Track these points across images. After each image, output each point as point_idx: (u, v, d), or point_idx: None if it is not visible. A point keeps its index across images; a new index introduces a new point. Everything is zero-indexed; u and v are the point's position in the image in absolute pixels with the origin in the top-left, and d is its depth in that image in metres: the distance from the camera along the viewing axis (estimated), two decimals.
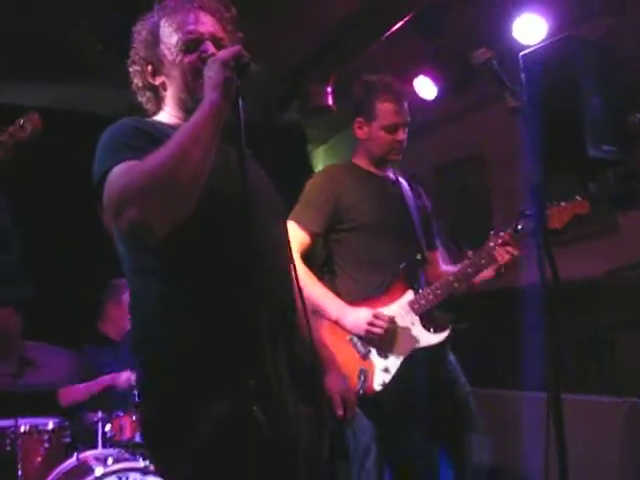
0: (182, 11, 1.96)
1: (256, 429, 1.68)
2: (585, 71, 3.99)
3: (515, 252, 2.90)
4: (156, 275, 1.81)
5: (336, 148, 7.60)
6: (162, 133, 1.84)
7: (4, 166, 1.92)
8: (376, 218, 3.00)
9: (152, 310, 1.82)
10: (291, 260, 1.89)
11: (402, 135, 3.04)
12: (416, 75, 5.19)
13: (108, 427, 3.96)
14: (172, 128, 1.88)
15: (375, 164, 3.14)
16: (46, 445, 3.92)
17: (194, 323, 1.77)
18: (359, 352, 2.88)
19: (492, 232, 2.97)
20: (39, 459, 3.89)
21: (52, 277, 5.15)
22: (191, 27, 1.93)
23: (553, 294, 2.17)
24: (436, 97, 5.24)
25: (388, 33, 4.52)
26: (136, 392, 3.92)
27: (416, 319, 2.91)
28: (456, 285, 2.91)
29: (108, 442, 3.93)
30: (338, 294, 2.96)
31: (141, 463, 3.45)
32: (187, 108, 1.91)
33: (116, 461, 3.55)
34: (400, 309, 2.92)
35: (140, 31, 2.01)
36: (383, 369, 2.85)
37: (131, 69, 2.03)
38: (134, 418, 3.93)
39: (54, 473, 3.66)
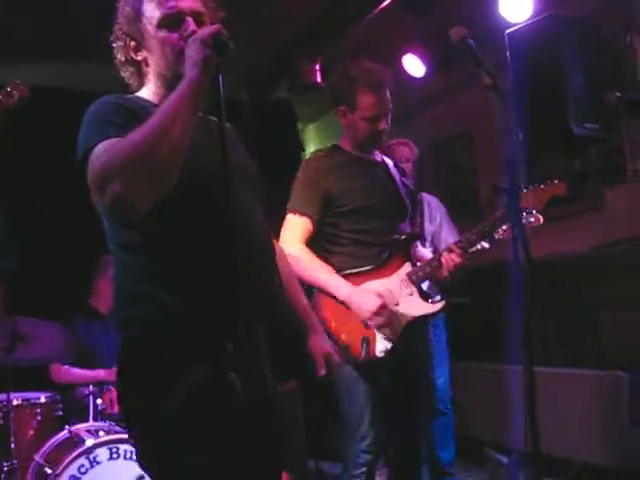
0: None
1: (231, 394, 1.76)
2: (569, 49, 4.03)
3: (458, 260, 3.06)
4: (138, 248, 1.87)
5: (327, 125, 7.62)
6: (144, 110, 1.88)
7: None
8: (367, 201, 3.06)
9: (134, 280, 1.88)
10: (269, 234, 1.96)
11: (384, 125, 3.07)
12: (404, 53, 5.24)
13: (99, 401, 4.03)
14: (154, 105, 1.93)
15: (360, 148, 3.18)
16: (38, 418, 3.98)
17: (174, 292, 1.83)
18: (362, 321, 2.96)
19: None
20: (31, 432, 3.96)
21: (43, 253, 5.22)
22: (172, 3, 1.95)
23: (527, 271, 2.23)
24: (424, 75, 5.29)
25: (377, 10, 4.53)
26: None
27: (414, 289, 3.04)
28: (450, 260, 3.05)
29: (99, 415, 3.99)
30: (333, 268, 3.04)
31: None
32: (169, 84, 1.94)
33: (107, 433, 3.63)
34: (400, 280, 3.03)
35: (123, 6, 2.03)
36: (386, 337, 2.95)
37: (114, 44, 2.06)
38: None
39: (46, 445, 3.72)
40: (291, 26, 5.07)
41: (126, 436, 3.51)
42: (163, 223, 1.80)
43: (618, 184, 4.46)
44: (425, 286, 3.23)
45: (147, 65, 2.03)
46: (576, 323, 4.83)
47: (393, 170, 3.26)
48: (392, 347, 2.95)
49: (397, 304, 3.01)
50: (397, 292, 3.03)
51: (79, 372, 4.49)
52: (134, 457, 3.40)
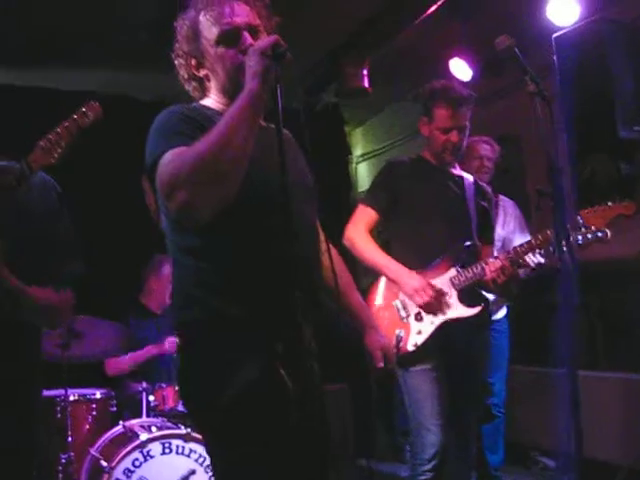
0: (218, 4, 2.06)
1: (282, 391, 1.85)
2: (617, 53, 4.04)
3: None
4: (197, 252, 1.97)
5: (373, 129, 7.68)
6: (209, 119, 1.97)
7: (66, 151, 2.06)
8: (428, 203, 3.27)
9: (192, 283, 1.98)
10: (320, 239, 2.05)
11: (455, 137, 3.28)
12: (451, 57, 5.26)
13: (152, 397, 4.16)
14: (218, 113, 2.02)
15: (437, 159, 3.39)
16: (94, 413, 4.13)
17: (229, 296, 1.93)
18: (400, 316, 3.21)
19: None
20: (87, 426, 4.11)
21: (98, 253, 5.38)
22: (227, 19, 2.03)
23: (573, 276, 2.27)
24: (472, 78, 5.30)
25: (424, 16, 4.58)
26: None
27: (454, 293, 3.19)
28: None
29: (151, 412, 4.13)
30: None
31: (183, 430, 3.62)
32: (231, 96, 2.00)
33: (159, 428, 3.74)
34: (442, 283, 3.20)
35: (181, 26, 2.12)
36: (417, 332, 3.16)
37: (176, 62, 2.14)
38: (176, 388, 4.12)
39: (102, 439, 3.86)
40: (338, 32, 5.14)
41: (178, 432, 3.63)
42: (223, 229, 1.89)
43: None
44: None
45: (209, 80, 2.12)
46: (622, 327, 4.80)
47: (468, 186, 3.40)
48: (424, 341, 3.13)
49: (444, 305, 3.17)
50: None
51: (130, 355, 4.60)
52: (185, 452, 3.54)
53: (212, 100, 2.14)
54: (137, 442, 3.53)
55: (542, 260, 3.25)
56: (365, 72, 5.20)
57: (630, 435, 4.38)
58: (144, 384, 4.15)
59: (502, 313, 4.53)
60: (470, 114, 3.32)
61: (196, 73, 2.12)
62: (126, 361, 4.60)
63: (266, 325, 1.92)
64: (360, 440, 5.35)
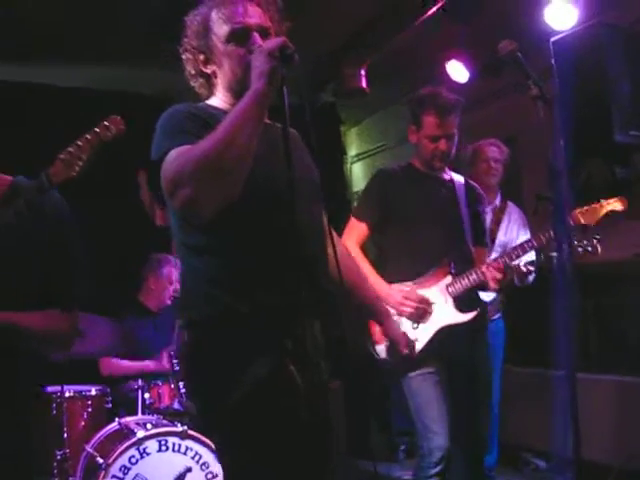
0: (231, 3, 2.08)
1: (292, 387, 1.88)
2: (615, 57, 4.05)
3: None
4: (205, 251, 1.99)
5: (368, 130, 7.70)
6: (214, 118, 1.99)
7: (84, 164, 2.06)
8: (420, 211, 3.28)
9: (200, 281, 2.00)
10: (327, 237, 2.08)
11: (443, 145, 3.28)
12: (448, 59, 5.29)
13: (147, 395, 4.17)
14: (224, 112, 2.03)
15: (428, 166, 3.39)
16: (89, 410, 4.13)
17: (238, 294, 1.94)
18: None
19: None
20: (82, 423, 4.12)
21: (95, 251, 5.37)
22: (239, 19, 2.05)
23: (570, 280, 2.29)
24: (468, 80, 5.33)
25: (422, 18, 4.60)
26: (175, 361, 4.13)
27: (450, 299, 3.22)
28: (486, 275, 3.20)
29: (147, 409, 4.13)
30: (382, 275, 3.27)
31: (179, 428, 3.63)
32: (237, 95, 2.03)
33: (155, 426, 3.74)
34: (438, 290, 3.22)
35: (191, 21, 2.14)
36: (413, 339, 3.12)
37: (183, 57, 2.16)
38: (172, 386, 4.14)
39: (97, 436, 3.86)
40: (337, 33, 5.15)
41: (175, 429, 3.64)
42: (229, 227, 1.91)
43: None
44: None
45: (216, 77, 2.14)
46: (617, 329, 4.83)
47: (459, 189, 3.41)
48: (421, 349, 3.14)
49: (430, 312, 3.20)
50: (434, 300, 3.21)
51: (127, 364, 4.63)
52: (182, 449, 3.55)
53: (218, 99, 2.16)
54: (133, 439, 3.53)
55: (534, 258, 3.30)
56: (363, 73, 5.23)
57: (622, 436, 4.42)
58: (140, 382, 4.16)
59: (497, 314, 4.55)
60: (459, 121, 3.32)
61: (203, 69, 2.14)
62: (122, 368, 4.62)
63: (275, 322, 1.94)
64: (353, 439, 5.37)
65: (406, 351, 2.38)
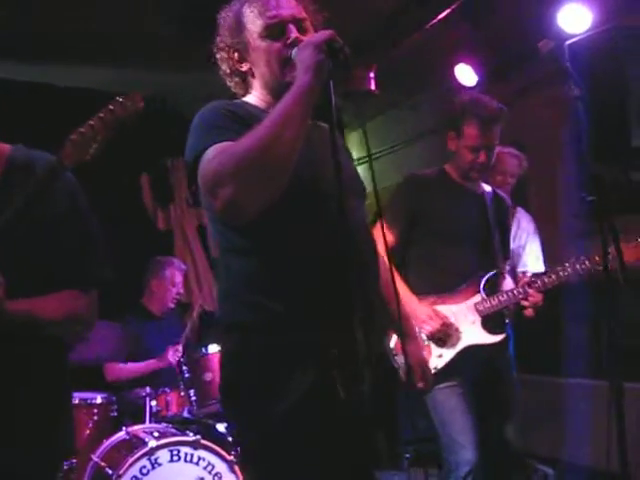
0: None
1: (337, 401, 1.79)
2: (632, 61, 4.01)
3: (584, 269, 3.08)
4: (247, 253, 1.89)
5: (371, 134, 7.62)
6: (252, 116, 1.91)
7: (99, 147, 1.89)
8: (453, 229, 3.18)
9: (242, 285, 1.90)
10: (373, 237, 2.00)
11: (483, 157, 3.17)
12: (457, 62, 5.23)
13: (154, 403, 4.07)
14: (262, 110, 1.96)
15: (462, 175, 3.29)
16: (95, 418, 4.03)
17: (283, 298, 1.85)
18: (421, 338, 3.08)
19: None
20: (87, 432, 4.01)
21: None
22: (273, 12, 1.95)
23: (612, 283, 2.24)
24: (476, 84, 5.27)
25: (435, 20, 4.54)
26: (184, 368, 4.03)
27: (478, 319, 3.14)
28: (520, 297, 3.14)
29: (154, 417, 4.04)
30: (408, 287, 3.15)
31: (192, 437, 3.54)
32: (275, 93, 1.96)
33: (166, 435, 3.65)
34: (466, 308, 3.15)
35: (225, 18, 2.05)
36: (438, 355, 3.09)
37: (218, 56, 2.08)
38: (182, 394, 4.04)
39: (104, 445, 3.76)
40: (348, 33, 5.07)
41: (187, 439, 3.55)
42: (272, 228, 1.82)
43: None
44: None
45: (252, 75, 2.05)
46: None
47: (489, 201, 3.32)
48: (445, 365, 3.08)
49: (457, 329, 3.12)
50: (461, 318, 3.13)
51: (132, 366, 4.53)
52: (194, 459, 3.46)
53: (255, 97, 2.07)
54: (145, 449, 3.44)
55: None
56: (372, 75, 5.15)
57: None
58: (147, 389, 4.06)
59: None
60: (500, 131, 3.21)
61: (239, 67, 2.05)
62: (127, 371, 4.52)
63: (321, 329, 1.85)
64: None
65: (421, 385, 2.26)
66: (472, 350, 3.10)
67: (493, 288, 3.19)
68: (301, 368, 1.83)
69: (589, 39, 4.09)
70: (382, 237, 3.11)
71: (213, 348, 4.02)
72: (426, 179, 3.32)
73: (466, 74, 5.25)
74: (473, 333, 3.11)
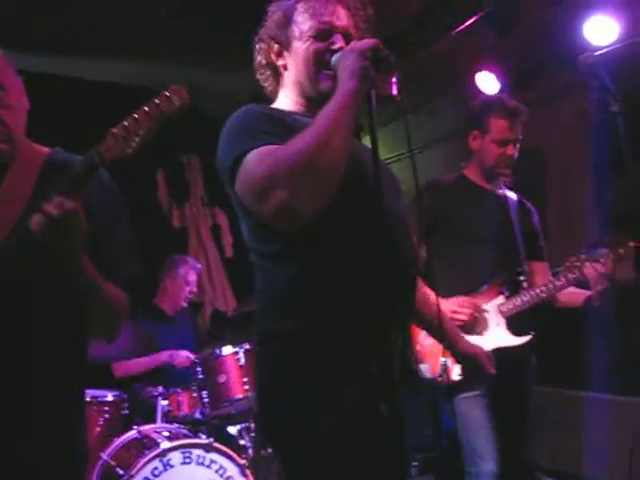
0: (320, 0, 1.97)
1: (379, 421, 1.77)
2: None
3: (603, 270, 3.02)
4: (288, 259, 1.84)
5: (384, 137, 7.58)
6: (290, 119, 1.88)
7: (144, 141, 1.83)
8: (474, 230, 3.15)
9: (286, 290, 1.85)
10: (412, 235, 1.98)
11: (511, 150, 3.18)
12: (479, 70, 5.20)
13: (165, 402, 4.05)
14: (297, 114, 1.93)
15: (486, 176, 3.28)
16: (106, 416, 3.99)
17: (327, 308, 1.81)
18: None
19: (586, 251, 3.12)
20: (98, 429, 3.96)
21: None
22: (327, 18, 1.94)
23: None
24: (498, 92, 5.24)
25: (459, 28, 4.51)
26: (198, 369, 4.00)
27: (502, 321, 3.10)
28: (544, 295, 3.09)
29: (165, 417, 4.02)
30: None
31: (205, 440, 3.52)
32: (306, 94, 1.95)
33: (178, 437, 3.63)
34: (490, 310, 3.10)
35: (275, 11, 2.02)
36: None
37: (257, 46, 2.05)
38: (194, 395, 4.02)
39: (114, 444, 3.73)
40: (370, 37, 5.05)
41: (200, 441, 3.53)
42: (320, 233, 1.78)
43: None
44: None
45: (286, 70, 2.02)
46: None
47: (513, 206, 3.30)
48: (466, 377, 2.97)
49: (481, 332, 3.08)
50: (485, 320, 3.09)
51: (140, 360, 4.46)
52: (206, 462, 3.44)
53: (286, 100, 2.04)
54: (157, 450, 3.41)
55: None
56: (395, 80, 5.12)
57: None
58: (160, 388, 4.04)
59: None
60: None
61: (275, 60, 2.03)
62: (136, 365, 4.46)
63: (363, 343, 1.80)
64: None
65: (493, 370, 2.28)
66: (498, 353, 3.03)
67: (516, 288, 3.16)
68: (343, 386, 1.78)
69: (614, 52, 4.07)
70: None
71: (227, 350, 3.98)
72: (446, 183, 3.31)
73: (488, 82, 5.21)
74: (499, 335, 3.07)
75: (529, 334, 3.11)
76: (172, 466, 3.42)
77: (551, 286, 3.10)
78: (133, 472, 3.35)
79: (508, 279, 3.14)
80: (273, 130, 1.80)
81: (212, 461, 3.47)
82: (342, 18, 1.96)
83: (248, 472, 3.54)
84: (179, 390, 4.09)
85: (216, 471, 3.47)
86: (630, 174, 2.32)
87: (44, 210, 1.69)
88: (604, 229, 4.31)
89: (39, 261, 1.79)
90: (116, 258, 2.05)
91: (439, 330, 2.24)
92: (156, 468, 3.40)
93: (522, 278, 3.21)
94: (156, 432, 3.74)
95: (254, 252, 1.94)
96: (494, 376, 2.97)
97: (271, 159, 1.70)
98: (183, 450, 3.46)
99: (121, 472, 3.44)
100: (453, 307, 3.02)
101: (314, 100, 1.93)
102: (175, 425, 3.89)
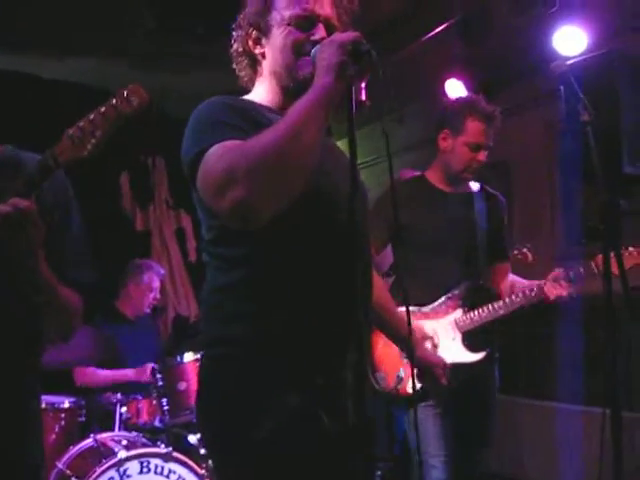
0: None
1: (318, 430, 1.71)
2: (625, 87, 4.00)
3: (564, 292, 3.00)
4: (243, 264, 1.77)
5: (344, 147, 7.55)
6: (259, 113, 1.80)
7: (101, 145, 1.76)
8: (434, 238, 3.07)
9: (233, 297, 1.78)
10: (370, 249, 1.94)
11: (482, 156, 3.10)
12: (448, 77, 5.19)
13: (124, 409, 3.95)
14: (268, 109, 1.86)
15: (448, 180, 3.19)
16: (62, 423, 3.87)
17: (278, 315, 1.74)
18: (402, 355, 2.96)
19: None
20: (54, 437, 3.85)
21: None
22: (310, 5, 1.83)
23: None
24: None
25: (430, 35, 4.50)
26: (158, 376, 3.91)
27: (458, 336, 3.05)
28: (501, 312, 3.04)
29: (123, 425, 3.92)
30: (394, 296, 2.99)
31: (163, 449, 3.43)
32: (283, 84, 1.86)
33: (135, 445, 3.54)
34: (447, 324, 3.05)
35: None
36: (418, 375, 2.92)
37: (234, 33, 1.95)
38: (154, 402, 3.92)
39: (70, 452, 3.63)
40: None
41: (158, 450, 3.44)
42: (275, 238, 1.70)
43: None
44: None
45: (263, 58, 1.92)
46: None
47: (477, 201, 3.21)
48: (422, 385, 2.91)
49: (437, 346, 3.02)
50: (441, 335, 3.04)
51: (105, 373, 4.39)
52: (165, 472, 3.36)
53: (260, 93, 1.94)
54: (114, 460, 3.33)
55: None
56: (364, 85, 5.09)
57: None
58: (119, 395, 3.94)
59: None
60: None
61: (252, 48, 1.92)
62: (99, 377, 4.37)
63: (310, 353, 1.74)
64: None
65: (445, 382, 2.23)
66: (454, 368, 2.94)
67: (475, 300, 3.09)
68: (284, 394, 1.71)
69: (583, 62, 4.09)
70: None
71: (189, 356, 3.91)
72: (407, 188, 3.19)
73: (456, 89, 5.21)
74: (452, 351, 3.00)
75: (485, 350, 3.04)
76: (129, 476, 3.34)
77: (509, 303, 3.04)
78: None
79: (468, 290, 3.08)
80: (238, 123, 1.71)
81: (171, 471, 3.39)
82: (325, 7, 1.86)
83: None
84: (139, 397, 3.99)
85: None
86: (599, 185, 2.28)
87: None
88: (573, 241, 4.30)
89: None
90: (69, 260, 2.00)
91: (399, 337, 2.20)
92: (112, 478, 3.31)
93: (483, 289, 3.16)
94: (113, 440, 3.65)
95: (209, 252, 1.86)
96: (451, 389, 2.95)
97: (233, 154, 1.60)
98: (141, 459, 3.38)
99: None
100: None
101: (291, 90, 1.84)
102: (134, 433, 3.80)
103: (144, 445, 3.58)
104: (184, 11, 4.61)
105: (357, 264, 1.64)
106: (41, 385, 3.51)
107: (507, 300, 3.04)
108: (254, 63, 1.95)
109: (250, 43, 1.92)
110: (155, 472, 3.38)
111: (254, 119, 1.75)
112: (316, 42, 1.75)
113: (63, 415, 3.89)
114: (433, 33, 4.52)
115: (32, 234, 1.71)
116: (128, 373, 4.33)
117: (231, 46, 1.98)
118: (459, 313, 3.05)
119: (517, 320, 3.30)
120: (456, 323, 3.04)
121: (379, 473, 5.49)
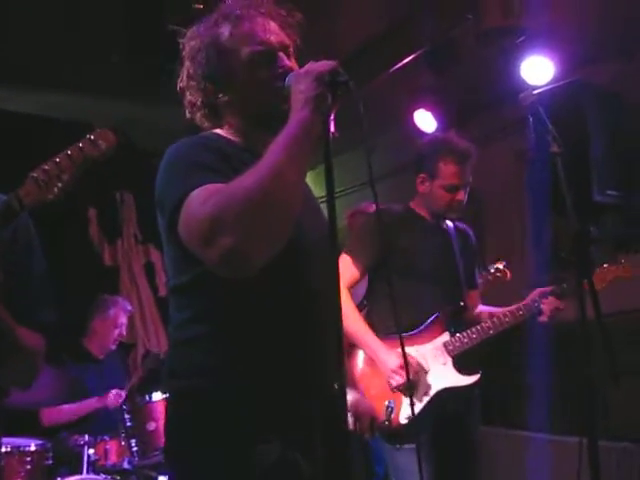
0: (247, 19, 1.78)
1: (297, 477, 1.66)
2: (593, 116, 4.03)
3: (561, 306, 3.05)
4: (212, 316, 1.70)
5: (322, 176, 7.54)
6: (232, 153, 1.72)
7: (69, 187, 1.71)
8: (418, 263, 3.05)
9: (198, 346, 1.71)
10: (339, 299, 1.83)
11: (461, 195, 3.09)
12: (416, 108, 5.21)
13: (91, 451, 3.84)
14: (237, 145, 1.79)
15: (432, 215, 3.19)
16: (27, 467, 3.74)
17: (246, 367, 1.67)
18: (390, 385, 2.91)
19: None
20: None
21: None
22: (260, 37, 1.75)
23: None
24: (435, 131, 5.24)
25: (398, 66, 4.50)
26: (126, 416, 3.81)
27: (449, 360, 3.01)
28: (491, 332, 3.03)
29: (91, 467, 3.81)
30: (372, 325, 3.02)
31: None
32: (259, 123, 1.77)
33: None
34: (435, 349, 3.01)
35: (194, 45, 1.82)
36: (409, 403, 2.92)
37: (183, 84, 1.84)
38: (122, 443, 3.82)
39: None
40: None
41: None
42: (244, 291, 1.62)
43: (633, 252, 4.41)
44: None
45: (229, 106, 1.81)
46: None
47: (452, 234, 3.23)
48: (418, 413, 2.91)
49: (427, 372, 2.98)
50: (431, 360, 3.00)
51: (70, 407, 4.25)
52: None
53: (230, 129, 1.83)
54: None
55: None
56: (332, 117, 5.08)
57: None
58: (86, 437, 3.83)
59: None
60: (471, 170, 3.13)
61: (212, 99, 1.80)
62: (64, 413, 4.23)
63: (280, 402, 1.67)
64: None
65: (367, 436, 2.13)
66: (445, 395, 2.95)
67: (460, 322, 3.07)
68: (258, 444, 1.63)
69: (551, 92, 4.11)
70: (343, 276, 3.00)
71: (157, 396, 3.82)
72: (393, 214, 3.17)
73: (425, 120, 5.22)
74: (446, 375, 2.97)
75: (477, 373, 3.01)
76: None
77: (497, 322, 3.04)
78: None
79: (452, 315, 3.05)
80: (216, 165, 1.64)
81: None
82: (275, 32, 1.78)
83: None
84: (106, 438, 3.89)
85: None
86: (569, 215, 2.27)
87: None
88: (544, 270, 4.31)
89: None
90: (30, 300, 1.95)
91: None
92: None
93: (465, 312, 3.14)
94: None
95: (181, 303, 1.76)
96: (441, 418, 2.90)
97: (216, 199, 1.50)
98: None
99: None
100: (395, 367, 2.88)
101: (262, 123, 1.77)
102: (102, 476, 3.70)
103: None
104: (151, 47, 4.58)
105: (327, 317, 1.57)
106: (5, 427, 3.45)
107: (495, 320, 3.04)
108: (217, 112, 1.84)
109: (209, 95, 1.82)
110: None
111: (229, 159, 1.68)
112: (285, 73, 1.69)
113: (29, 459, 3.76)
114: (401, 64, 4.51)
115: None
116: (92, 402, 4.22)
117: (182, 89, 1.86)
118: (446, 336, 3.02)
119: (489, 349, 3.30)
120: (445, 347, 3.00)
121: None
